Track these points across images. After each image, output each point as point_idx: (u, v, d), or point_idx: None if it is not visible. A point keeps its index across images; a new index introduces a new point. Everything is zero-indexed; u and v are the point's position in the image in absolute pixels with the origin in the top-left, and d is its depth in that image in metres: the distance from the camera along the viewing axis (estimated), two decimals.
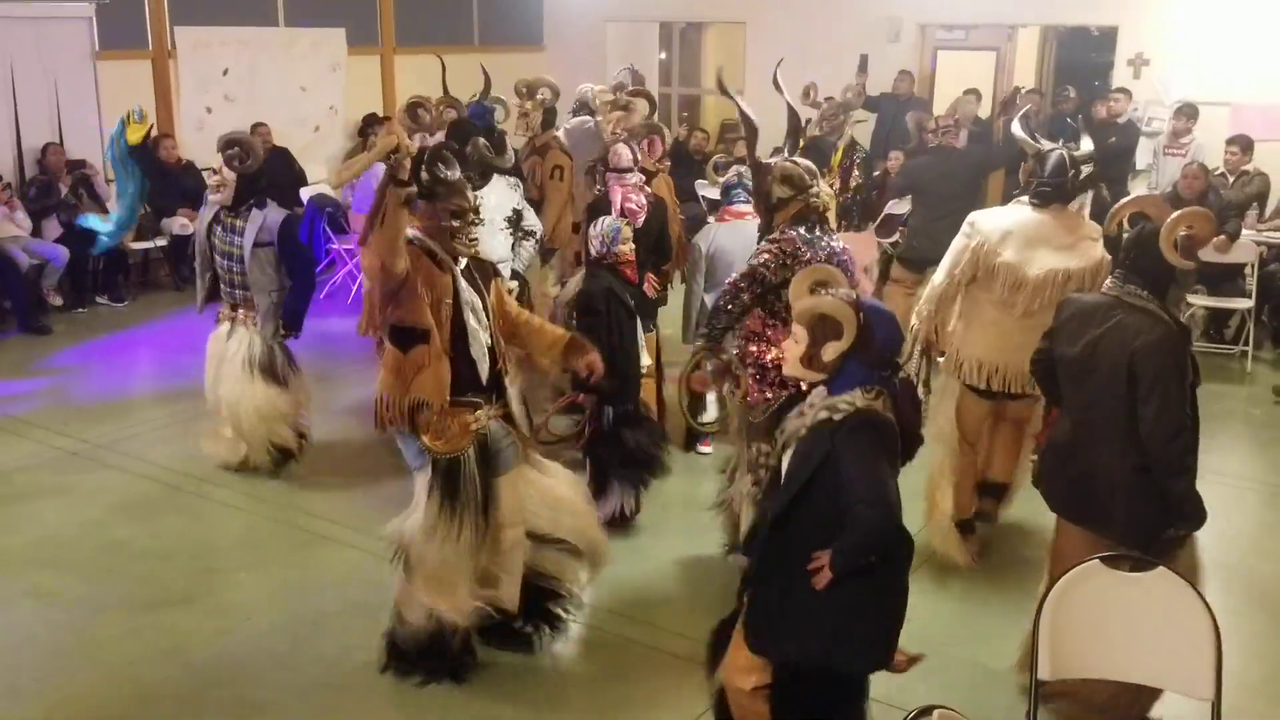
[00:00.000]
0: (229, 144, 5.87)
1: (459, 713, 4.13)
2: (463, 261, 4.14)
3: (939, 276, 5.01)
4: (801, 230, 4.53)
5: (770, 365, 4.55)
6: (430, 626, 4.19)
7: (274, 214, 5.91)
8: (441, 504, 4.06)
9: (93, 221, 8.46)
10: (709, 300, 5.95)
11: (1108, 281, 3.86)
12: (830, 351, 3.01)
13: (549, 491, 4.32)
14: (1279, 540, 5.66)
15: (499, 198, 6.10)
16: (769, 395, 4.59)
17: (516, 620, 4.37)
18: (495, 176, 6.06)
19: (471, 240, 4.13)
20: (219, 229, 5.93)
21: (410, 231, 4.04)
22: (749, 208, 5.92)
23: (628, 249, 5.51)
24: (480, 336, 4.12)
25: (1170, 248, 3.59)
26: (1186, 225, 3.60)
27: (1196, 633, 3.05)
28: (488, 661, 4.38)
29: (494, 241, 5.94)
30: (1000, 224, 4.87)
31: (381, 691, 4.24)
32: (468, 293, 4.10)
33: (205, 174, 5.99)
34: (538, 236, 6.45)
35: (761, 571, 3.15)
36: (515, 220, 6.25)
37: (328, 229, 10.57)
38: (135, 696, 4.21)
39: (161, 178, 6.32)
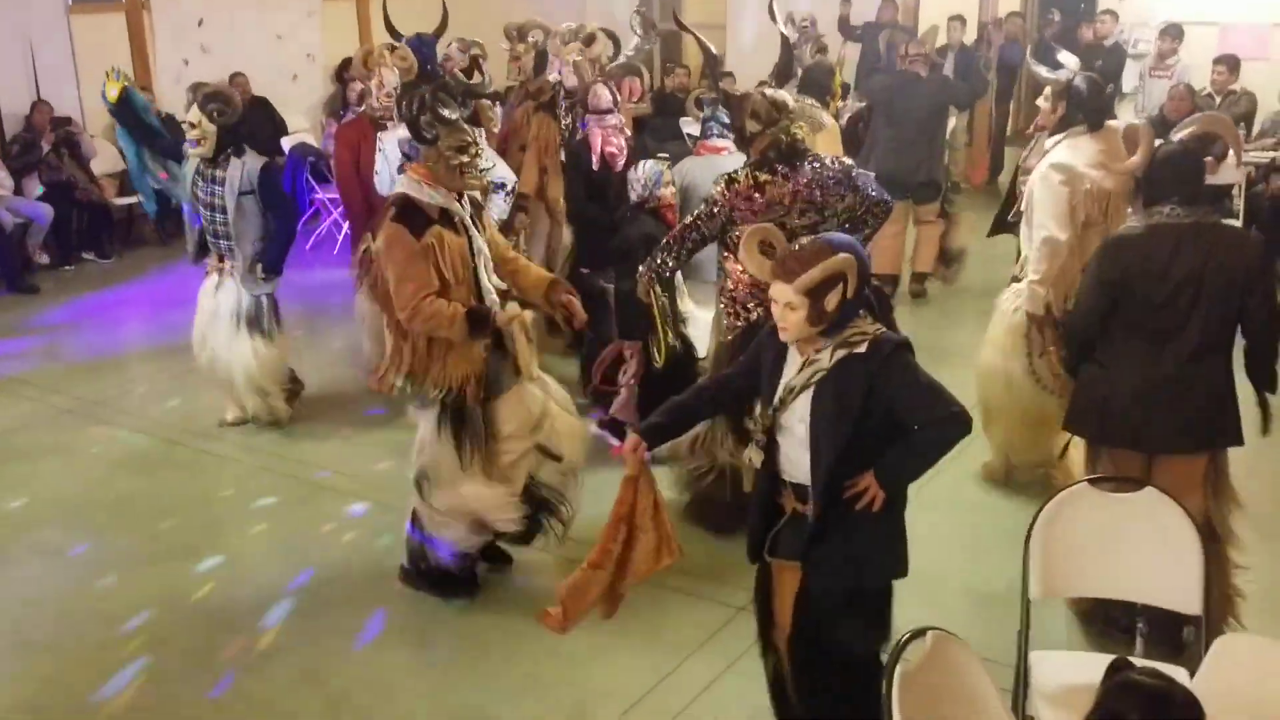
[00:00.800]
0: (209, 97, 5.82)
1: (463, 643, 4.22)
2: (468, 206, 4.20)
3: (1051, 234, 4.71)
4: (761, 173, 4.53)
5: (735, 291, 4.65)
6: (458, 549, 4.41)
7: (253, 161, 5.88)
8: (455, 438, 4.26)
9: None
10: None
11: (1166, 209, 3.87)
12: (833, 301, 3.00)
13: (545, 405, 4.45)
14: (1269, 459, 5.71)
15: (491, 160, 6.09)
16: (739, 322, 4.66)
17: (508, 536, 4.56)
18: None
19: (482, 171, 4.26)
20: (200, 181, 5.88)
21: (422, 193, 4.11)
22: (726, 142, 6.04)
23: (669, 193, 5.55)
24: (489, 283, 4.21)
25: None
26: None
27: (1184, 550, 3.11)
28: (489, 597, 4.49)
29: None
30: (1079, 157, 4.77)
31: (392, 632, 4.32)
32: (479, 242, 4.20)
33: (185, 127, 5.91)
34: (508, 189, 6.31)
35: (825, 510, 3.11)
36: (499, 184, 6.21)
37: (310, 179, 10.51)
38: (145, 647, 4.28)
39: (149, 132, 6.22)
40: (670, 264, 4.75)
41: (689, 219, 4.72)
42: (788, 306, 3.02)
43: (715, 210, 4.59)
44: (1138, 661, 2.39)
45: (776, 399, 3.13)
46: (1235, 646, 2.79)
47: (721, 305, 4.73)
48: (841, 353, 3.02)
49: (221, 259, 6.02)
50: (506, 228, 6.17)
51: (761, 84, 4.87)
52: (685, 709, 3.83)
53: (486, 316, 4.16)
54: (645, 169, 5.55)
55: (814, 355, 3.06)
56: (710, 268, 5.94)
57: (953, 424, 2.99)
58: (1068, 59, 5.32)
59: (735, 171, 4.61)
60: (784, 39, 4.91)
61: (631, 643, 4.20)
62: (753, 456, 3.21)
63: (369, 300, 4.29)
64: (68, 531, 5.17)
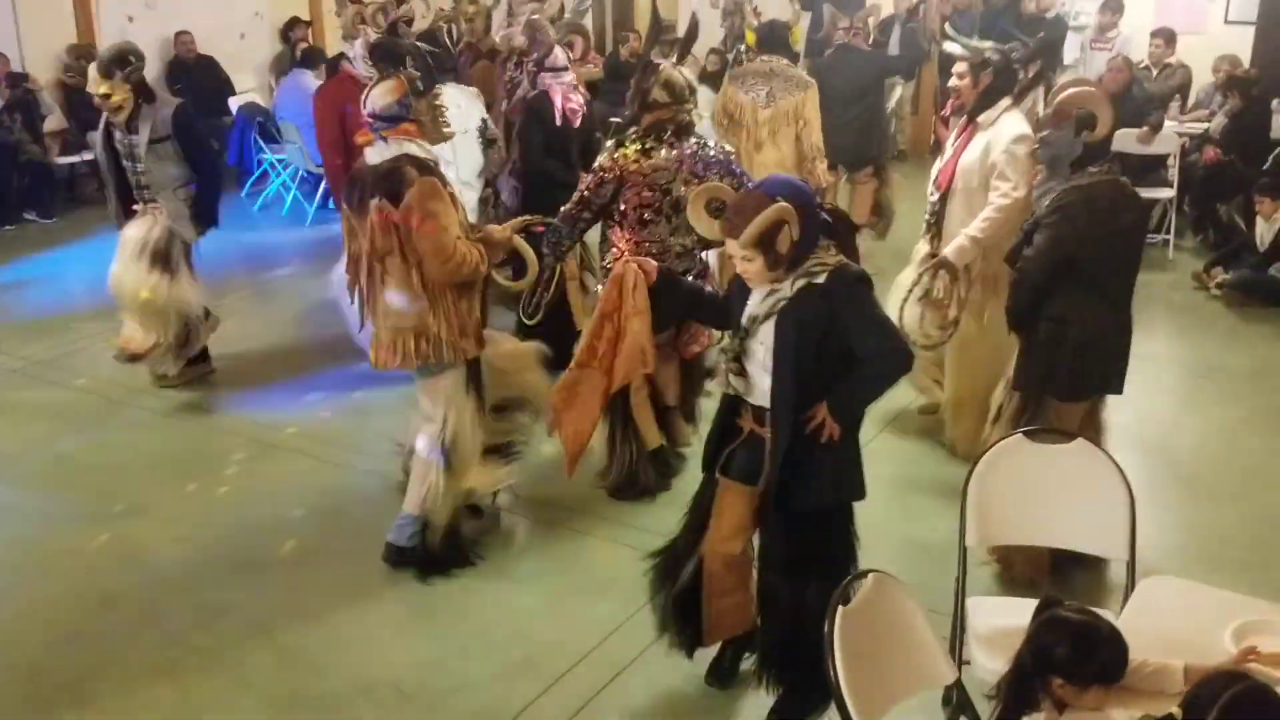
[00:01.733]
0: (113, 62, 5.59)
1: (416, 600, 4.28)
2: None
3: (1019, 191, 4.78)
4: (649, 141, 4.68)
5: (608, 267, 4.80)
6: (453, 522, 4.44)
7: (164, 108, 5.75)
8: (478, 397, 4.35)
9: None
10: None
11: (1091, 168, 4.09)
12: (785, 244, 3.13)
13: (506, 351, 4.58)
14: (1195, 417, 5.93)
15: (466, 107, 6.09)
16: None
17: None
18: (453, 86, 6.04)
19: (448, 124, 4.35)
20: (117, 133, 5.74)
21: (420, 149, 4.15)
22: None
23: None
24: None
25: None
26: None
27: (1113, 500, 3.23)
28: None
29: (468, 153, 5.96)
30: (1025, 126, 4.88)
31: (344, 589, 4.36)
32: (455, 190, 4.28)
33: (99, 101, 5.68)
34: (498, 143, 6.45)
35: (782, 437, 3.29)
36: (483, 129, 6.26)
37: (259, 139, 10.42)
38: (97, 604, 4.29)
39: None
40: (565, 240, 4.89)
41: (579, 193, 4.82)
42: (744, 259, 3.18)
43: (605, 179, 4.71)
44: (1066, 600, 2.51)
45: (743, 327, 3.30)
46: (1159, 588, 2.93)
47: (602, 285, 4.71)
48: (801, 282, 3.18)
49: (147, 203, 5.85)
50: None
51: (713, 51, 4.99)
52: (636, 659, 3.91)
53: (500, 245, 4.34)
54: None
55: (775, 285, 3.22)
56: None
57: (896, 359, 3.22)
58: (965, 42, 5.50)
59: (624, 139, 4.75)
60: (693, 16, 5.00)
61: (582, 596, 4.29)
62: (732, 382, 3.38)
63: (401, 265, 4.05)
64: (13, 489, 5.15)
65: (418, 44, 4.64)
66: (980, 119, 5.02)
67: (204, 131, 6.00)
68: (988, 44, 5.36)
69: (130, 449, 5.57)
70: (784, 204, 3.10)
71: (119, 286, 5.91)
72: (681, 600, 3.63)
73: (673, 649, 3.71)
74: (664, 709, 3.71)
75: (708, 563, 3.54)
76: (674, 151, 4.68)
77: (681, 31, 5.97)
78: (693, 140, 4.76)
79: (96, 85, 5.62)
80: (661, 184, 4.65)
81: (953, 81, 5.24)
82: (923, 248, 5.25)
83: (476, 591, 4.33)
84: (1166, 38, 9.64)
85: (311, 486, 5.17)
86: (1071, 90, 4.28)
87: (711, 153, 4.75)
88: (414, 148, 4.16)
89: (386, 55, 5.18)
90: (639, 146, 4.68)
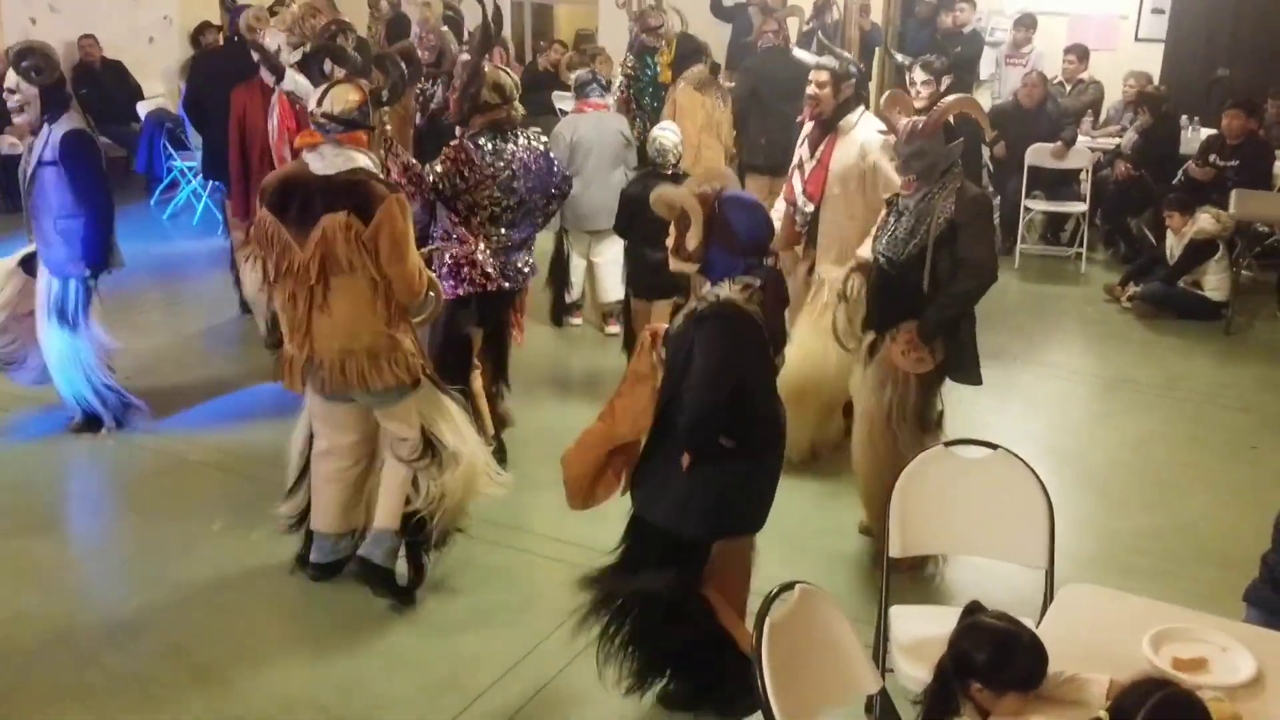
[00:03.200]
0: (22, 54, 5.12)
1: (336, 618, 4.20)
2: None
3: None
4: (482, 140, 4.85)
5: (458, 261, 4.90)
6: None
7: (60, 128, 5.15)
8: (452, 404, 4.25)
9: None
10: (575, 186, 6.45)
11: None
12: (691, 240, 3.23)
13: None
14: (1108, 429, 6.06)
15: None
16: (459, 291, 4.91)
17: None
18: None
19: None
20: (24, 150, 5.37)
21: (372, 164, 4.04)
22: (605, 101, 6.99)
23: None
24: None
25: None
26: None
27: (1032, 510, 3.29)
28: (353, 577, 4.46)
29: None
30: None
31: (261, 607, 4.28)
32: None
33: (5, 95, 5.25)
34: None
35: (648, 449, 3.41)
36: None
37: (168, 145, 10.21)
38: (8, 622, 4.15)
39: None
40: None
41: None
42: (669, 234, 3.31)
43: (446, 174, 4.83)
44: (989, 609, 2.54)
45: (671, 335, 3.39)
46: (1078, 596, 2.98)
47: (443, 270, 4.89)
48: (691, 304, 3.30)
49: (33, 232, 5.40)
50: None
51: (496, 66, 5.11)
52: (559, 673, 3.89)
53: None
54: (670, 136, 5.87)
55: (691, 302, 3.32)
56: (596, 217, 6.70)
57: (687, 401, 3.21)
58: (807, 56, 5.70)
59: (459, 138, 4.91)
60: (484, 9, 5.04)
61: (505, 612, 4.25)
62: None
63: (362, 284, 3.89)
64: None
65: (394, 55, 4.63)
66: (840, 125, 5.18)
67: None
68: (847, 55, 5.50)
69: (35, 466, 5.39)
70: (688, 196, 3.23)
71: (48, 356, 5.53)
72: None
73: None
74: None
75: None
76: (507, 146, 4.90)
77: (602, 41, 6.03)
78: (521, 138, 4.98)
79: (8, 78, 5.22)
80: (491, 179, 4.82)
81: (811, 90, 5.31)
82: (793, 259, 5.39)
83: (398, 608, 4.26)
84: (1080, 54, 9.88)
85: (227, 501, 5.06)
86: (948, 100, 4.37)
87: (534, 151, 5.00)
88: (364, 159, 3.99)
89: (339, 59, 5.06)
90: (473, 145, 4.84)
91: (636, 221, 5.82)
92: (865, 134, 5.09)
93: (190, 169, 9.96)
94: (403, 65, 4.58)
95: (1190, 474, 5.49)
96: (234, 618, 4.21)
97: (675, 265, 3.34)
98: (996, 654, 2.37)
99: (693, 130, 7.07)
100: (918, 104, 5.64)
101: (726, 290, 3.20)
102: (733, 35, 11.24)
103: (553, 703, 3.76)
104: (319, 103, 3.97)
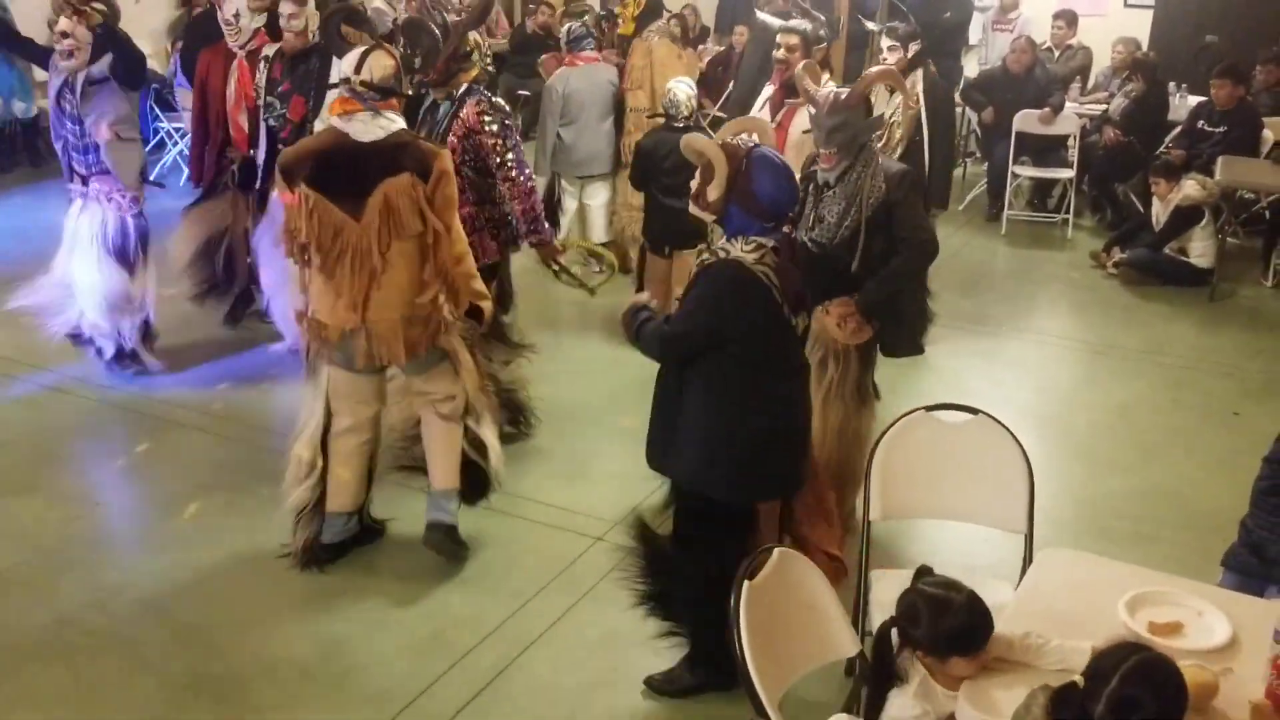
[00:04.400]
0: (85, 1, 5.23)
1: (319, 579, 4.20)
2: None
3: None
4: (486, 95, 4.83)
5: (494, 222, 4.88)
6: None
7: (103, 60, 5.35)
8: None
9: None
10: (564, 136, 6.97)
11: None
12: (712, 192, 3.21)
13: None
14: (1092, 393, 6.08)
15: None
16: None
17: None
18: None
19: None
20: (67, 92, 5.39)
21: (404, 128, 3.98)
22: (597, 54, 7.19)
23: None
24: None
25: None
26: None
27: (1013, 475, 3.29)
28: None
29: None
30: None
31: (244, 568, 4.28)
32: None
33: (56, 37, 5.34)
34: None
35: (658, 397, 3.41)
36: None
37: (155, 107, 10.10)
38: None
39: (18, 40, 5.81)
40: None
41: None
42: (695, 178, 3.30)
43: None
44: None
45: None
46: (1056, 560, 2.99)
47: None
48: (706, 255, 3.29)
49: (85, 180, 5.53)
50: None
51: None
52: (542, 634, 3.91)
53: None
54: (683, 89, 5.94)
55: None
56: (589, 164, 7.05)
57: (652, 343, 3.34)
58: (773, 20, 5.70)
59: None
60: None
61: (489, 575, 4.26)
62: None
63: (412, 248, 3.85)
64: None
65: (426, 23, 4.61)
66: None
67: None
68: (820, 17, 5.48)
69: (19, 425, 5.37)
70: (717, 150, 3.21)
71: (85, 294, 5.59)
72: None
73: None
74: (570, 684, 3.70)
75: None
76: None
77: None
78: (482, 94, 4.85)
79: (62, 22, 5.29)
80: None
81: (781, 54, 5.25)
82: None
83: (381, 569, 4.27)
84: (1068, 20, 9.83)
85: (209, 461, 5.05)
86: (870, 73, 4.32)
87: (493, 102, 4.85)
88: (402, 122, 3.94)
89: (356, 21, 4.99)
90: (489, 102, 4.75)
91: (651, 174, 5.95)
92: None
93: (178, 130, 9.86)
94: (436, 32, 4.53)
95: (1172, 439, 5.51)
96: (216, 579, 4.21)
97: (694, 210, 3.33)
98: (930, 618, 2.40)
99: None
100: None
101: (738, 248, 3.19)
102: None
103: (535, 665, 3.77)
104: (357, 70, 3.87)
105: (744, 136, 3.53)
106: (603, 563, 4.26)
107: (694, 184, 3.31)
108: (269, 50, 5.73)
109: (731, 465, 3.28)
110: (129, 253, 5.57)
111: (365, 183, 3.79)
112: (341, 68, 3.99)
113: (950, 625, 2.39)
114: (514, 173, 4.74)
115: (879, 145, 5.13)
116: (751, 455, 3.30)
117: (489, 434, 4.27)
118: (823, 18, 5.53)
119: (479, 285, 4.10)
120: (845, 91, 4.06)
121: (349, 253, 3.83)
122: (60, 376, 5.85)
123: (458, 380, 4.16)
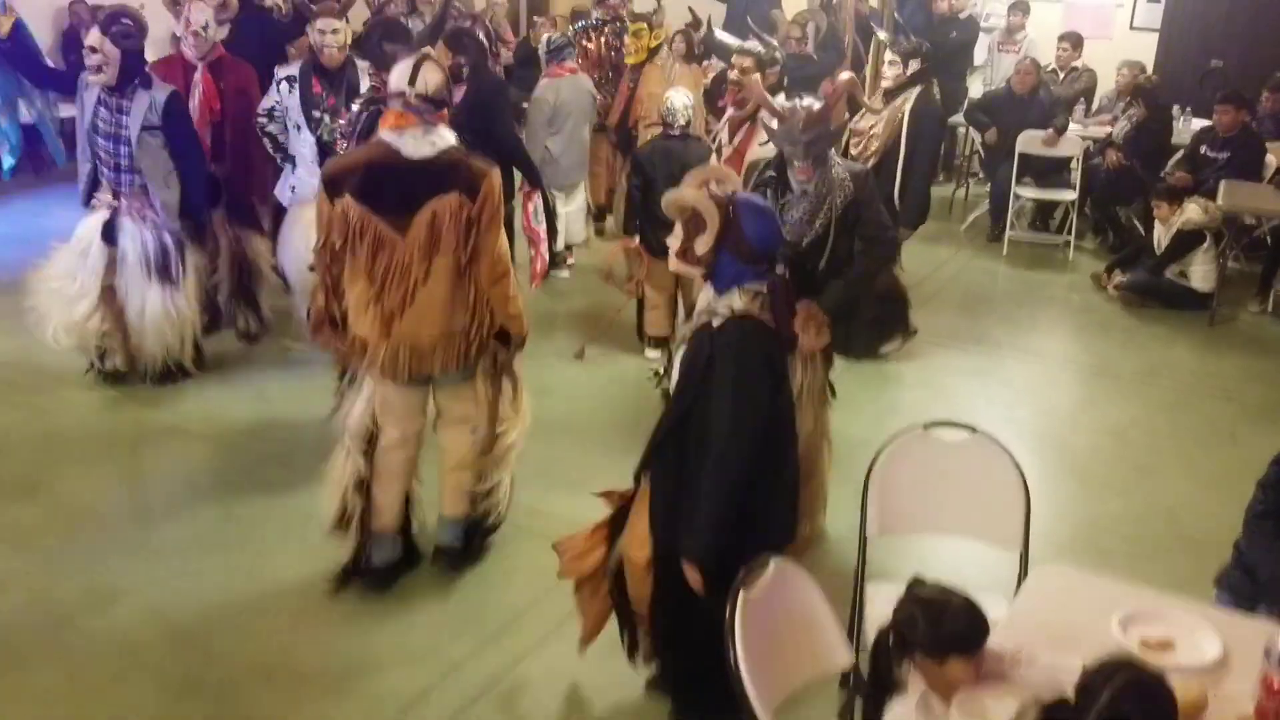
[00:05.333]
0: (111, 18, 5.32)
1: (314, 586, 4.20)
2: None
3: None
4: None
5: None
6: None
7: (160, 93, 5.44)
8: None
9: None
10: (552, 147, 7.05)
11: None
12: (701, 245, 3.08)
13: None
14: (1090, 415, 6.09)
15: None
16: None
17: None
18: None
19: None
20: (103, 110, 5.44)
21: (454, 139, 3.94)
22: (575, 65, 7.40)
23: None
24: None
25: None
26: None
27: (1009, 492, 3.31)
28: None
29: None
30: None
31: (240, 574, 4.29)
32: None
33: (85, 53, 5.40)
34: None
35: (656, 479, 3.26)
36: None
37: None
38: None
39: (40, 68, 5.78)
40: None
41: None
42: (674, 234, 3.16)
43: None
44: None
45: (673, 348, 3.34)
46: (1050, 577, 3.01)
47: None
48: (703, 319, 3.14)
49: (116, 195, 5.55)
50: None
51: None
52: (538, 644, 3.93)
53: None
54: (680, 98, 5.92)
55: (698, 312, 3.19)
56: (571, 173, 7.28)
57: (726, 456, 3.03)
58: (730, 40, 5.79)
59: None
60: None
61: (485, 583, 4.28)
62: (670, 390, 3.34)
63: (451, 264, 3.82)
64: None
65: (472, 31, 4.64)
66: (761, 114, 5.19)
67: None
68: (772, 41, 5.54)
69: (20, 430, 5.39)
70: (707, 201, 3.07)
71: (137, 317, 5.60)
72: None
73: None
74: (565, 693, 3.71)
75: (627, 564, 3.41)
76: None
77: None
78: None
79: (88, 36, 5.35)
80: None
81: (734, 75, 5.33)
82: None
83: (379, 580, 4.27)
84: (1073, 42, 9.88)
85: (208, 468, 5.07)
86: (839, 83, 4.42)
87: None
88: (453, 137, 3.91)
89: (395, 35, 5.00)
90: None
91: (651, 181, 5.94)
92: None
93: None
94: (481, 39, 4.54)
95: (1169, 461, 5.53)
96: (212, 583, 4.22)
97: (679, 268, 3.20)
98: (928, 620, 2.40)
99: None
100: (884, 83, 5.71)
101: (738, 301, 3.09)
102: (728, 16, 11.23)
103: (530, 675, 3.78)
104: (411, 82, 3.81)
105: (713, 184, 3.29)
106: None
107: (674, 242, 3.16)
108: (290, 70, 5.72)
109: (764, 530, 3.16)
110: (171, 268, 5.59)
111: (413, 199, 3.77)
112: (391, 81, 3.92)
113: (948, 625, 2.40)
114: None
115: (855, 153, 5.20)
116: (765, 511, 3.21)
117: (505, 460, 4.27)
118: (775, 42, 5.62)
119: (515, 309, 4.02)
120: (817, 105, 4.20)
121: (393, 268, 3.81)
122: (59, 381, 5.87)
123: (480, 401, 4.15)
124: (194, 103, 5.91)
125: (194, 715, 3.56)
